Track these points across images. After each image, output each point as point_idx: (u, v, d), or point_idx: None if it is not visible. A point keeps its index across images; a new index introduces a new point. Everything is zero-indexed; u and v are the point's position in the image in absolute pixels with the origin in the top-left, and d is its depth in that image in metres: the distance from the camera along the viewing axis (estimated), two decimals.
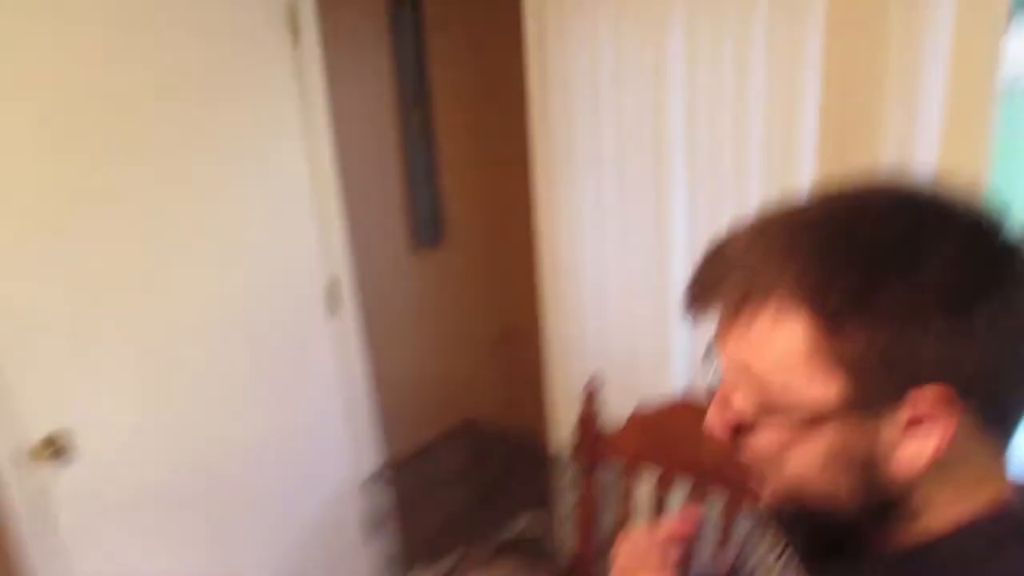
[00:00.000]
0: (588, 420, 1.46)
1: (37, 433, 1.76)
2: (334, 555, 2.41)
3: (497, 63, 2.40)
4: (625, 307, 2.10)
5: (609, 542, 1.86)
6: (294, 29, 2.05)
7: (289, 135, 2.09)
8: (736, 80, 1.71)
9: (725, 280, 0.61)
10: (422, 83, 2.32)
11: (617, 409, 1.88)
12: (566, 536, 2.54)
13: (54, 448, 1.76)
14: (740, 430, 0.64)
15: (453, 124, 2.44)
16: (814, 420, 0.60)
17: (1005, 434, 0.62)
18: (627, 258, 2.05)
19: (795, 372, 0.59)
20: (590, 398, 1.46)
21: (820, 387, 0.59)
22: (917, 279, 0.55)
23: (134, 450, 1.93)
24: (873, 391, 0.58)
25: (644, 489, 2.09)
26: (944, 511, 0.63)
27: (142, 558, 1.99)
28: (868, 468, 0.60)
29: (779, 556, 0.80)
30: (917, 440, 0.58)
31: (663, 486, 1.41)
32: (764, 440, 0.64)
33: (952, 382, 0.56)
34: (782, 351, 0.59)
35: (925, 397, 0.56)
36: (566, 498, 2.45)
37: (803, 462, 0.62)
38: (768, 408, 0.62)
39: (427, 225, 2.42)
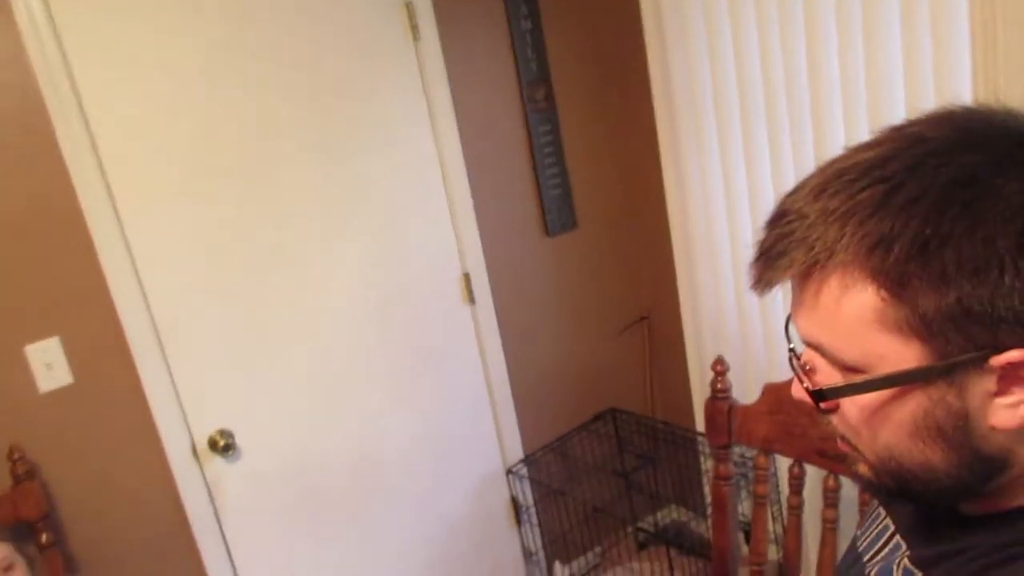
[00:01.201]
0: (716, 401, 1.42)
1: (204, 432, 1.93)
2: (478, 545, 2.46)
3: (615, 42, 2.37)
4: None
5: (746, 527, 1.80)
6: (413, 25, 2.11)
7: (418, 130, 2.15)
8: (878, 48, 1.59)
9: (786, 253, 0.58)
10: (542, 68, 2.32)
11: (756, 386, 1.81)
12: (709, 524, 2.47)
13: (220, 446, 1.92)
14: (824, 401, 0.60)
15: (576, 108, 2.42)
16: (895, 388, 0.57)
17: None
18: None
19: (869, 340, 0.56)
20: (717, 379, 1.41)
21: (898, 351, 0.55)
22: (985, 228, 0.50)
23: (288, 446, 2.07)
24: (953, 352, 0.53)
25: (781, 471, 2.01)
26: None
27: (295, 546, 2.11)
28: (960, 432, 0.56)
29: (889, 533, 0.76)
30: (1011, 397, 0.54)
31: (797, 468, 1.35)
32: (848, 411, 0.61)
33: None
34: (853, 320, 0.56)
35: (1012, 360, 0.52)
36: (710, 482, 2.38)
37: (892, 429, 0.59)
38: (848, 378, 0.59)
39: (557, 211, 2.42)
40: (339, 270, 2.08)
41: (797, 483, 1.36)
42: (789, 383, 1.32)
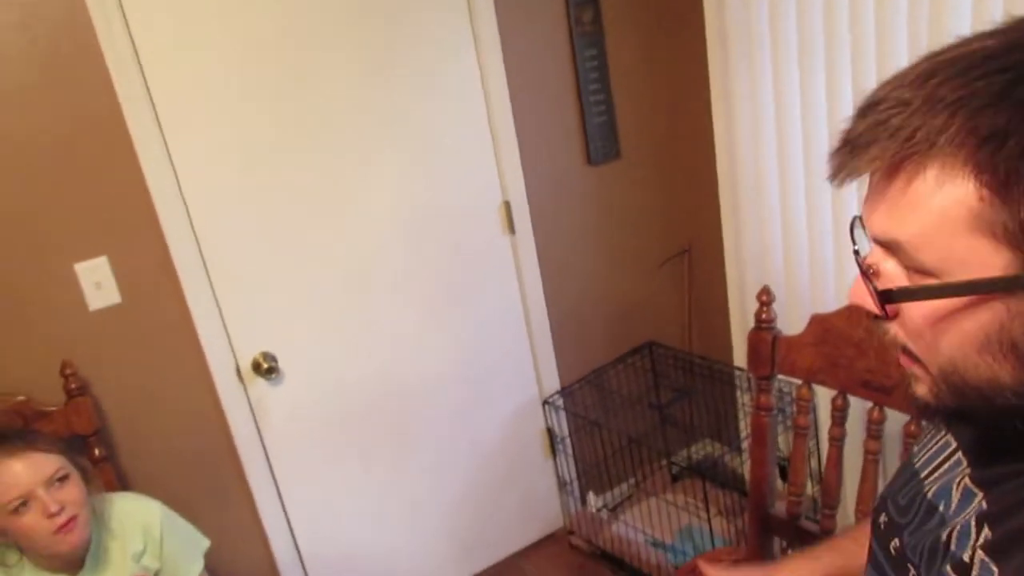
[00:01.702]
0: (760, 332, 1.40)
1: (248, 354, 1.97)
2: (512, 472, 2.50)
3: None
4: (807, 219, 1.97)
5: (785, 460, 1.79)
6: None
7: (461, 51, 2.11)
8: None
9: (877, 141, 0.54)
10: None
11: (798, 321, 1.79)
12: (745, 459, 2.48)
13: (263, 368, 1.96)
14: (891, 301, 0.57)
15: (624, 33, 2.35)
16: (974, 295, 0.53)
17: None
18: (810, 167, 1.91)
19: (955, 241, 0.52)
20: (763, 309, 1.40)
21: (984, 257, 0.52)
22: None
23: (328, 370, 2.10)
24: None
25: (822, 403, 2.00)
26: None
27: (333, 465, 2.17)
28: None
29: (946, 456, 0.74)
30: None
31: (841, 399, 1.33)
32: (913, 318, 0.57)
33: None
34: (943, 217, 0.52)
35: None
36: (746, 416, 2.38)
37: (959, 341, 0.56)
38: (922, 274, 0.55)
39: (601, 140, 2.37)
40: (379, 196, 2.07)
41: (840, 415, 1.35)
42: (837, 314, 1.31)
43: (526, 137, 2.25)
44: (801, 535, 1.40)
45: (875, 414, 1.30)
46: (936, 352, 0.58)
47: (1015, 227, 0.50)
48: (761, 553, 1.47)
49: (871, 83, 1.71)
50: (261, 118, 1.88)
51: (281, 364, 2.00)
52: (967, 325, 0.55)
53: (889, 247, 0.58)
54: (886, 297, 0.58)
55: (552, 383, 2.49)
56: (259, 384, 1.99)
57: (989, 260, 0.52)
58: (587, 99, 2.31)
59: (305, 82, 1.91)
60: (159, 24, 1.72)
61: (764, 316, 1.40)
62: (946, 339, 0.57)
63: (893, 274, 0.58)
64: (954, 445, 0.74)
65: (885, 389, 1.23)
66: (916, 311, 0.57)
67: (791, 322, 2.00)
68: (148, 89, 1.73)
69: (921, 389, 0.62)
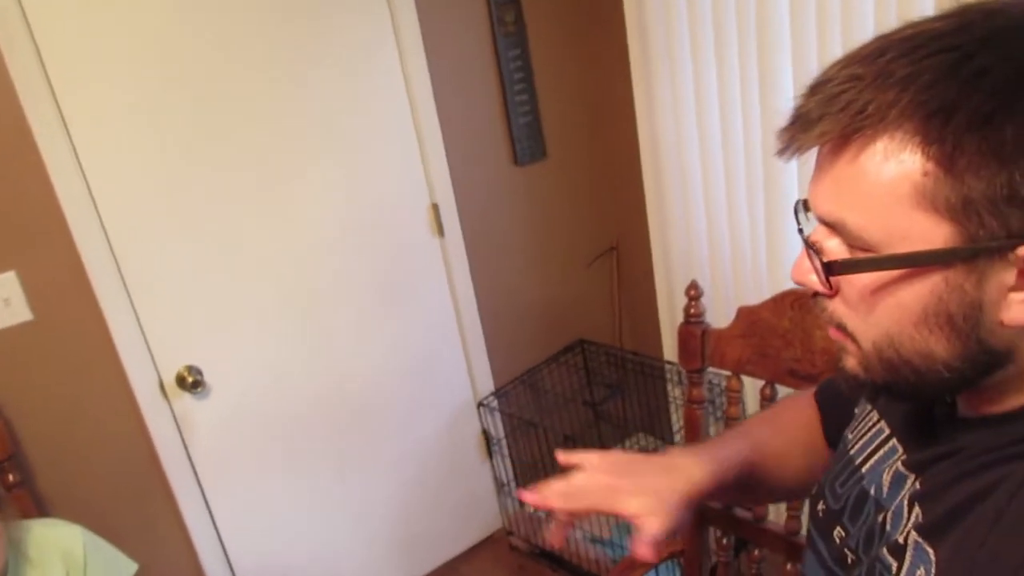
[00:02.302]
0: (689, 326, 1.42)
1: (171, 369, 1.90)
2: (450, 476, 2.48)
3: None
4: (728, 215, 2.02)
5: None
6: None
7: (383, 53, 2.09)
8: None
9: (827, 115, 0.55)
10: None
11: (725, 315, 1.82)
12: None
13: (188, 382, 1.89)
14: (835, 273, 0.59)
15: (547, 33, 2.36)
16: (914, 267, 0.55)
17: None
18: (729, 163, 1.96)
19: (898, 215, 0.54)
20: (691, 303, 1.42)
21: (925, 231, 0.53)
22: None
23: (258, 380, 2.05)
24: (984, 239, 0.52)
25: (751, 393, 2.05)
26: None
27: (268, 480, 2.12)
28: (970, 323, 0.55)
29: (880, 443, 0.77)
30: None
31: (769, 389, 1.36)
32: (857, 286, 0.59)
33: None
34: (887, 192, 0.54)
35: None
36: (679, 409, 2.42)
37: (898, 314, 0.57)
38: (865, 251, 0.57)
39: (527, 140, 2.38)
40: (305, 201, 2.03)
41: (769, 403, 1.38)
42: (763, 306, 1.34)
43: (452, 139, 2.24)
44: (735, 524, 1.42)
45: (781, 403, 1.33)
46: (872, 326, 0.60)
47: (957, 201, 0.51)
48: (696, 543, 1.49)
49: (787, 79, 1.77)
50: (178, 121, 1.81)
51: (208, 377, 1.94)
52: (906, 298, 0.56)
53: (833, 226, 0.59)
54: (830, 269, 0.59)
55: (486, 384, 2.48)
56: (185, 399, 1.93)
57: (931, 234, 0.53)
58: (512, 100, 2.31)
59: (224, 84, 1.86)
60: (64, 22, 1.65)
61: (692, 310, 1.42)
62: (884, 312, 0.58)
63: (836, 252, 0.60)
64: (887, 432, 0.76)
65: (811, 377, 1.26)
66: (857, 284, 0.59)
67: (719, 315, 2.04)
68: (53, 91, 1.65)
69: (851, 362, 0.64)
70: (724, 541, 1.49)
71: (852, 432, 0.83)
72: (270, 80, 1.92)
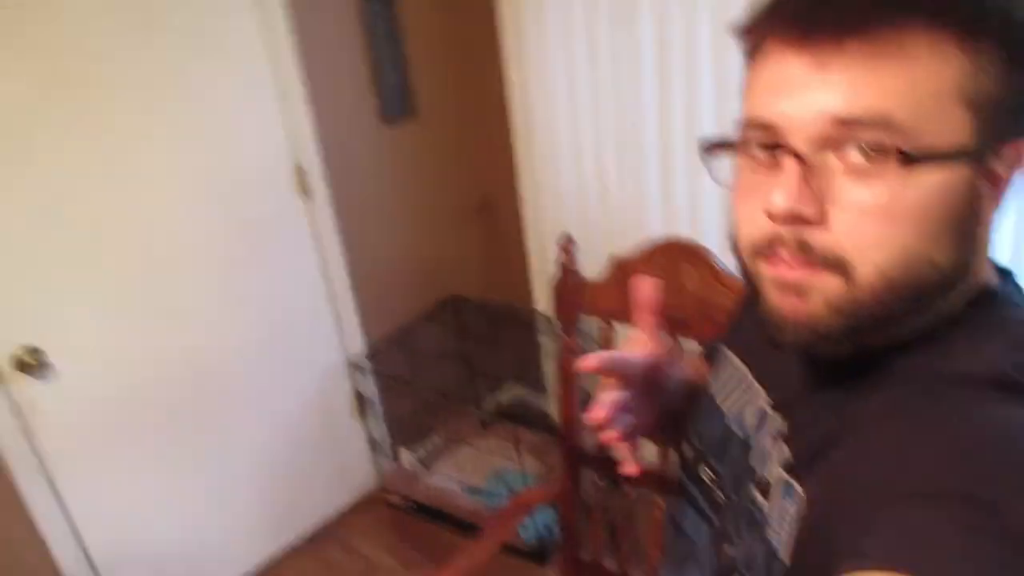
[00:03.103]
0: (564, 278, 1.46)
1: (6, 351, 1.74)
2: (323, 440, 2.45)
3: None
4: (602, 166, 2.06)
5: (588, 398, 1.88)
6: None
7: (239, 11, 1.98)
8: None
9: None
10: None
11: (597, 268, 1.87)
12: (553, 399, 2.59)
13: (29, 365, 1.75)
14: (908, 164, 0.52)
15: None
16: (937, 167, 0.53)
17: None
18: (599, 117, 2.00)
19: (941, 105, 0.52)
20: (564, 255, 1.45)
21: (957, 126, 0.53)
22: None
23: (115, 356, 1.93)
24: (994, 138, 0.54)
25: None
26: (958, 293, 0.60)
27: (125, 463, 2.01)
28: (970, 225, 0.56)
29: (742, 384, 0.79)
30: (991, 195, 0.56)
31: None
32: (882, 193, 0.53)
33: None
34: (933, 79, 0.52)
35: (1015, 150, 0.55)
36: (550, 359, 2.48)
37: (922, 221, 0.54)
38: (883, 157, 0.52)
39: (395, 98, 2.34)
40: (155, 164, 1.90)
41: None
42: (634, 256, 1.38)
43: (317, 97, 2.16)
44: (610, 466, 1.48)
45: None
46: (886, 243, 0.55)
47: (986, 98, 0.53)
48: (573, 487, 1.54)
49: (649, 32, 1.81)
50: (5, 82, 1.64)
51: (52, 358, 1.79)
52: (934, 201, 0.54)
53: (862, 124, 0.53)
54: (907, 159, 0.52)
55: (357, 345, 2.46)
56: (26, 383, 1.77)
57: (961, 131, 0.53)
58: (379, 56, 2.25)
59: (50, 27, 1.69)
60: None
61: (566, 262, 1.45)
62: (909, 221, 0.54)
63: (833, 167, 0.55)
64: (749, 372, 0.77)
65: (681, 323, 1.32)
66: (884, 189, 0.53)
67: (590, 267, 2.09)
68: None
69: (815, 305, 0.57)
70: (598, 482, 1.55)
71: (714, 376, 0.84)
72: (111, 39, 1.77)
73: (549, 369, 2.53)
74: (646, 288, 0.75)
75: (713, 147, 0.63)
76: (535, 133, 2.16)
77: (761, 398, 0.74)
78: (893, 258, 0.54)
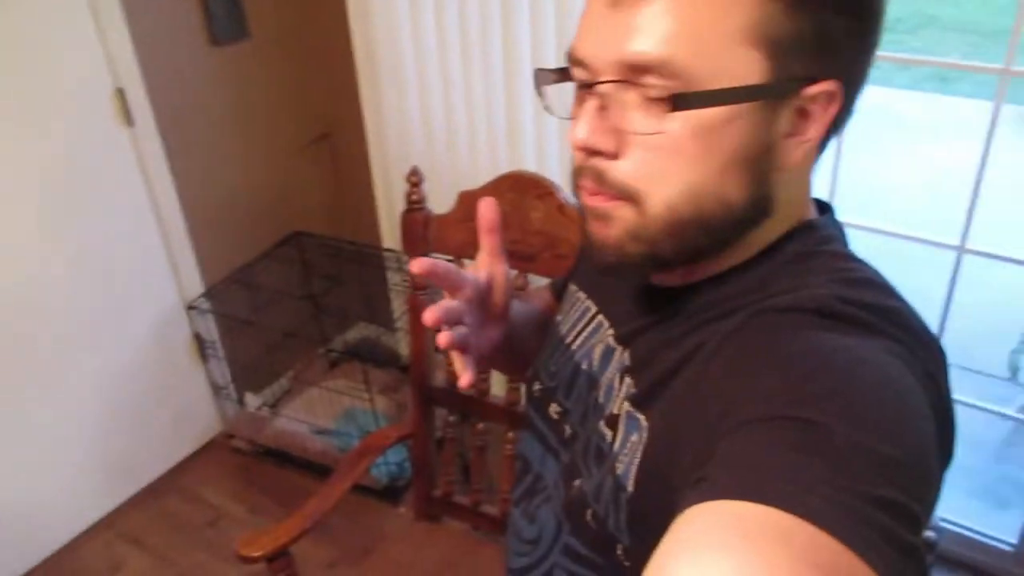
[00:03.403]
0: (412, 212, 1.42)
1: None
2: (161, 387, 2.32)
3: None
4: (444, 99, 2.01)
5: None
6: None
7: None
8: None
9: None
10: None
11: (445, 202, 1.84)
12: (402, 337, 2.56)
13: None
14: (677, 108, 0.55)
15: None
16: (740, 101, 0.55)
17: (822, 152, 0.63)
18: (444, 46, 1.94)
19: (729, 45, 0.53)
20: (412, 189, 1.41)
21: (747, 67, 0.54)
22: None
23: None
24: (787, 77, 0.55)
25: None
26: (772, 228, 0.63)
27: None
28: (763, 164, 0.58)
29: (588, 321, 0.80)
30: (796, 136, 0.58)
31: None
32: (669, 131, 0.56)
33: (842, 80, 0.56)
34: (724, 19, 0.53)
35: (821, 91, 0.56)
36: (398, 296, 2.45)
37: (706, 159, 0.56)
38: (681, 87, 0.54)
39: (225, 17, 2.16)
40: None
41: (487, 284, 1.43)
42: (483, 190, 1.36)
43: (136, 15, 1.97)
44: (461, 401, 1.48)
45: (520, 281, 1.40)
46: (674, 179, 0.57)
47: (782, 37, 0.53)
48: (425, 424, 1.54)
49: None
50: None
51: None
52: (719, 139, 0.56)
53: (646, 68, 0.55)
54: (676, 104, 0.54)
55: (195, 286, 2.32)
56: None
57: (750, 70, 0.54)
58: None
59: None
60: None
61: (414, 197, 1.41)
62: (694, 158, 0.56)
63: (633, 102, 0.57)
64: (595, 309, 0.79)
65: (529, 257, 1.32)
66: (671, 128, 0.56)
67: (438, 201, 2.05)
68: None
69: (616, 233, 0.61)
70: (450, 418, 1.55)
71: (562, 314, 0.85)
72: None
73: (398, 306, 2.49)
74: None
75: (546, 78, 0.64)
76: (378, 63, 2.07)
77: (608, 334, 0.75)
78: (679, 193, 0.57)
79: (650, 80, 0.55)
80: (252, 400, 2.53)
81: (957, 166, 3.82)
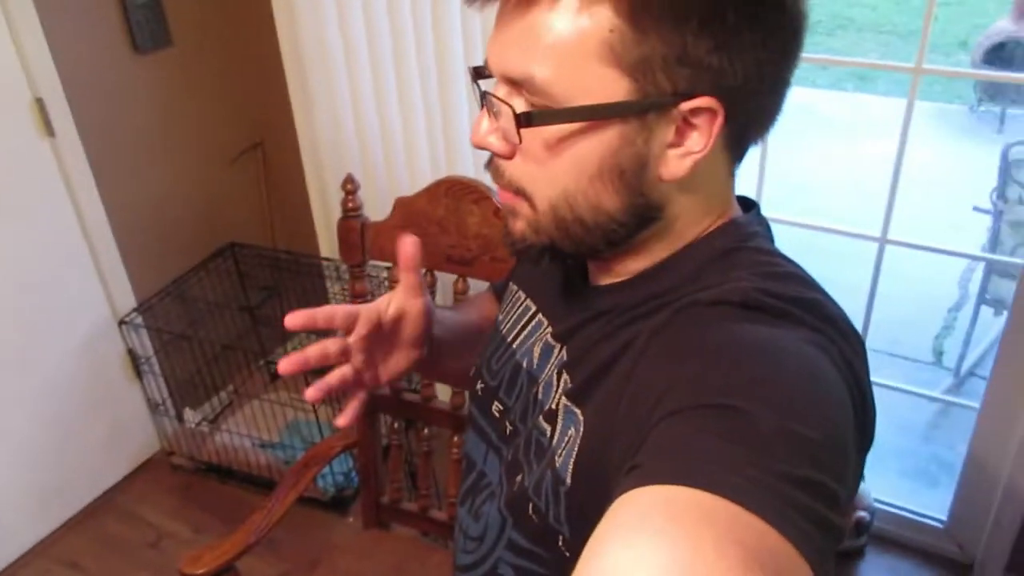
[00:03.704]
0: (348, 220, 1.41)
1: None
2: (93, 406, 2.26)
3: None
4: (376, 106, 2.00)
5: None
6: None
7: None
8: None
9: None
10: None
11: (381, 209, 1.83)
12: None
13: None
14: (522, 126, 0.59)
15: None
16: (596, 119, 0.58)
17: (739, 156, 0.66)
18: (375, 52, 1.93)
19: (587, 67, 0.56)
20: (347, 197, 1.40)
21: (607, 86, 0.57)
22: None
23: None
24: (654, 94, 0.57)
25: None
26: (691, 228, 0.66)
27: None
28: (636, 177, 0.61)
29: (528, 319, 0.82)
30: (682, 148, 0.59)
31: (429, 276, 1.42)
32: (538, 142, 0.61)
33: (722, 95, 0.57)
34: (579, 43, 0.56)
35: (697, 106, 0.57)
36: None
37: (576, 169, 0.61)
38: (549, 104, 0.58)
39: (147, 24, 2.12)
40: None
41: (430, 290, 1.43)
42: (418, 196, 1.37)
43: (53, 22, 1.92)
44: (404, 406, 1.48)
45: (459, 285, 1.40)
46: (550, 184, 0.62)
47: (638, 58, 0.55)
48: (370, 433, 1.53)
49: None
50: None
51: None
52: (585, 152, 0.59)
53: (519, 81, 0.59)
54: (521, 121, 0.59)
55: (127, 300, 2.26)
56: None
57: (611, 89, 0.57)
58: None
59: None
60: None
61: (350, 204, 1.40)
62: (564, 168, 0.61)
63: (522, 105, 0.60)
64: (534, 308, 0.81)
65: (467, 261, 1.32)
66: (539, 140, 0.60)
67: (374, 208, 2.05)
68: None
69: (520, 225, 0.66)
70: (395, 425, 1.55)
71: (503, 313, 0.88)
72: None
73: None
74: (405, 247, 0.80)
75: (477, 76, 0.68)
76: (308, 70, 2.05)
77: (546, 332, 0.77)
78: (557, 195, 0.62)
79: (524, 94, 0.59)
80: (191, 416, 2.48)
81: (877, 162, 3.96)
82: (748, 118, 0.61)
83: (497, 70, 0.61)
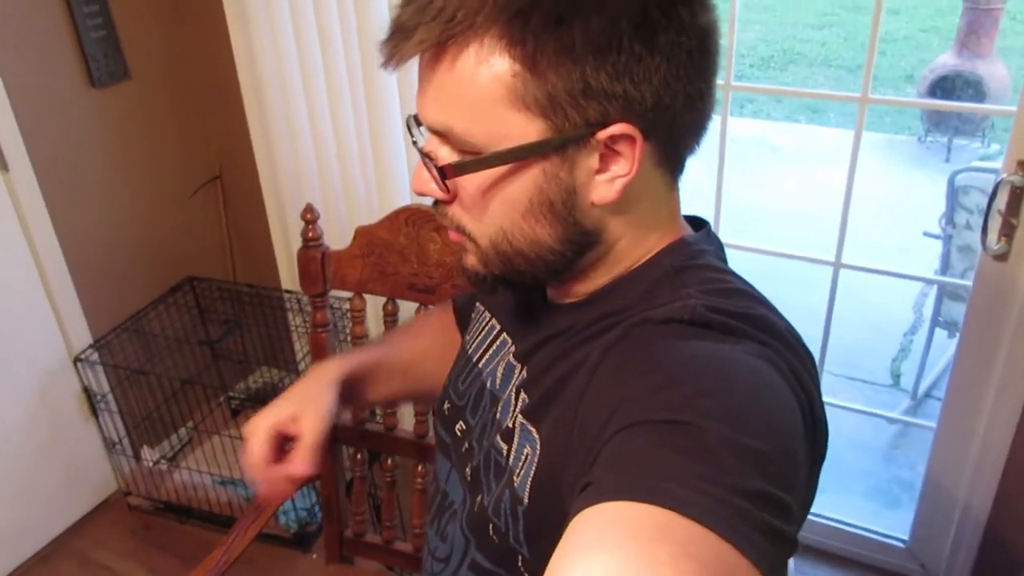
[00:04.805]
0: (309, 251, 1.41)
1: None
2: (47, 446, 2.20)
3: None
4: (339, 134, 2.01)
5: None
6: None
7: None
8: None
9: (423, 24, 0.57)
10: None
11: (340, 236, 1.83)
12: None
13: None
14: (446, 178, 0.63)
15: None
16: (515, 161, 0.60)
17: (674, 169, 0.67)
18: (335, 82, 1.94)
19: (498, 117, 0.58)
20: (308, 227, 1.40)
21: (521, 128, 0.59)
22: (610, 8, 0.55)
23: None
24: (568, 129, 0.58)
25: (373, 311, 2.12)
26: (635, 247, 0.67)
27: None
28: (566, 208, 0.62)
29: (492, 339, 0.83)
30: (609, 173, 0.61)
31: (391, 304, 1.42)
32: (470, 188, 0.63)
33: (636, 119, 0.58)
34: (485, 95, 0.58)
35: (612, 134, 0.58)
36: (301, 338, 2.41)
37: (507, 209, 0.63)
38: (472, 153, 0.61)
39: (103, 58, 2.10)
40: None
41: (392, 319, 1.43)
42: (379, 225, 1.37)
43: (8, 57, 1.90)
44: (366, 437, 1.47)
45: (421, 312, 1.40)
46: (487, 223, 0.65)
47: (543, 98, 0.57)
48: (333, 465, 1.51)
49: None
50: None
51: None
52: (513, 192, 0.62)
53: (442, 133, 0.62)
54: (444, 173, 0.62)
55: (83, 337, 2.22)
56: None
57: (526, 130, 0.58)
58: (79, 11, 2.01)
59: None
60: None
61: (310, 234, 1.40)
62: (496, 209, 0.63)
63: (448, 158, 0.63)
64: (498, 328, 0.82)
65: (428, 289, 1.33)
66: (470, 186, 0.63)
67: (334, 238, 2.04)
68: None
69: (471, 260, 0.69)
70: (358, 456, 1.53)
71: (469, 333, 0.89)
72: None
73: (300, 348, 2.44)
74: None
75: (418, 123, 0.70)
76: (267, 101, 2.04)
77: (509, 351, 0.78)
78: (495, 233, 0.65)
79: (451, 144, 0.62)
80: (149, 454, 2.43)
81: (830, 190, 4.06)
82: (671, 135, 0.62)
83: (424, 122, 0.64)
